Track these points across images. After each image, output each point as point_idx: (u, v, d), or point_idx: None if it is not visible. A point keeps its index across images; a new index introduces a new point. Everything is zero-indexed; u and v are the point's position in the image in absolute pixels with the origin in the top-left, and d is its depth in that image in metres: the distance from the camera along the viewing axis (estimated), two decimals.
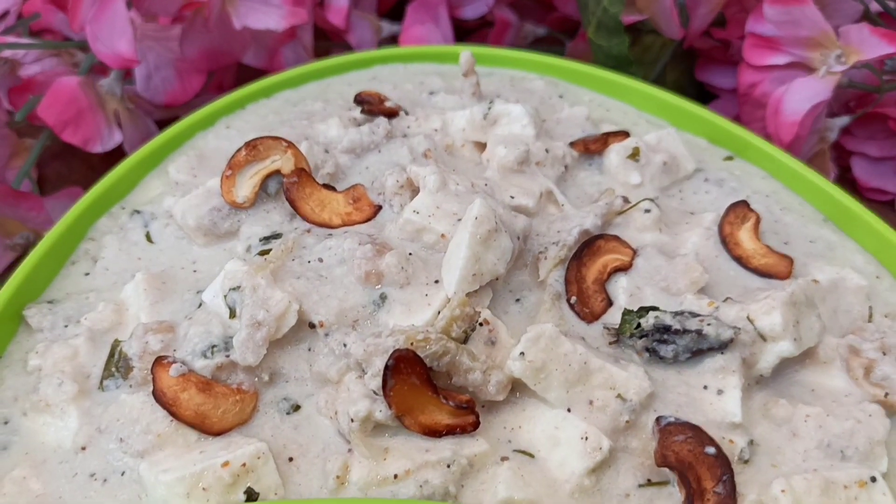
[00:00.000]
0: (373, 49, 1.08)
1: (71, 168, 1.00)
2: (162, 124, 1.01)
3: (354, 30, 1.05)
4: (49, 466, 0.60)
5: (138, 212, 0.76)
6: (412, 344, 0.60)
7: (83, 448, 0.60)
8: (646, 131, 0.85)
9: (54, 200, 0.91)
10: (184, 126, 0.84)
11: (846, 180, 1.01)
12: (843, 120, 0.95)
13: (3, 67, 0.98)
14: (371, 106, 0.81)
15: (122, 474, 0.59)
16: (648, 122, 0.88)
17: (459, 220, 0.67)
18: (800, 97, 0.88)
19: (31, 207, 0.82)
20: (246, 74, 1.09)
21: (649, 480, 0.60)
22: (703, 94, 1.07)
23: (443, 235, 0.67)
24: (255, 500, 0.57)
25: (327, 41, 1.11)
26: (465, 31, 1.14)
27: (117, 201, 0.78)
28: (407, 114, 0.82)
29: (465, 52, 0.84)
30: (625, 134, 0.80)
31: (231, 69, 1.06)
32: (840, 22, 0.91)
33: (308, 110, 0.86)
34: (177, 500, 0.56)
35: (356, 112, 0.82)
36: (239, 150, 0.71)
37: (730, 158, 0.84)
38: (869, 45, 0.83)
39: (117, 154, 0.93)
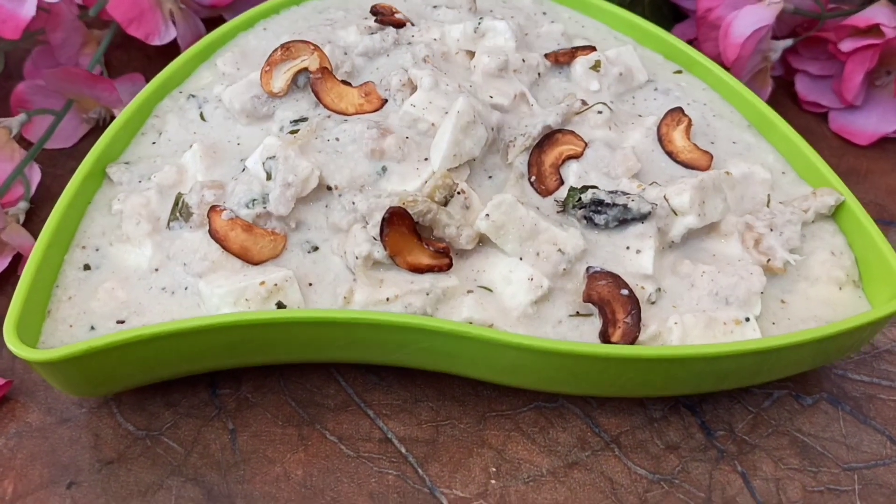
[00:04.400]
0: None
1: (130, 56, 1.18)
2: (208, 23, 1.19)
3: None
4: (130, 282, 0.80)
5: (193, 96, 0.95)
6: (404, 203, 0.79)
7: (156, 269, 0.81)
8: (612, 47, 1.03)
9: (119, 84, 1.09)
10: (228, 27, 1.01)
11: (790, 94, 1.18)
12: (787, 42, 1.11)
13: None
14: (383, 17, 0.98)
15: (186, 289, 0.79)
16: (616, 39, 1.05)
17: (447, 113, 0.85)
18: (746, 22, 1.04)
19: (105, 88, 1.01)
20: None
21: (577, 312, 0.80)
22: (677, 15, 1.23)
23: (433, 124, 0.85)
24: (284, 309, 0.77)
25: None
26: None
27: (175, 87, 0.97)
28: (413, 25, 0.99)
29: None
30: (591, 48, 0.97)
31: None
32: None
33: (331, 17, 1.03)
34: (226, 308, 0.76)
35: (371, 21, 0.99)
36: (275, 50, 0.89)
37: (679, 72, 1.01)
38: None
39: (170, 47, 1.11)
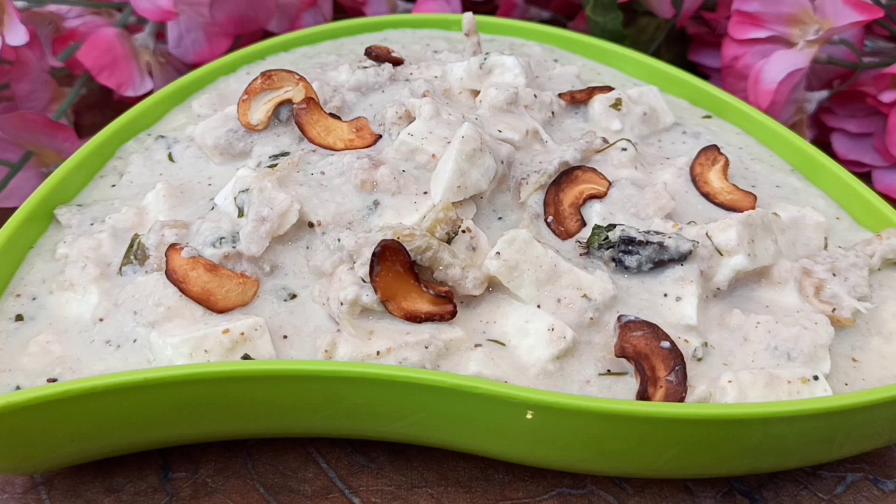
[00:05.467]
0: None
1: (105, 117, 1.09)
2: None
3: (371, 4, 1.14)
4: (69, 334, 0.67)
5: (163, 136, 0.84)
6: (398, 237, 0.66)
7: (101, 319, 0.67)
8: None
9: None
10: (208, 70, 0.92)
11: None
12: (822, 94, 1.01)
13: (48, 28, 1.07)
14: (378, 54, 0.88)
15: (134, 341, 0.66)
16: (636, 87, 0.95)
17: (449, 142, 0.74)
18: (778, 67, 0.95)
19: (66, 139, 0.90)
20: None
21: (609, 370, 0.66)
22: (695, 75, 1.14)
23: (433, 156, 0.74)
24: None
25: (345, 15, 1.20)
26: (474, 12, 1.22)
27: (144, 129, 0.86)
28: (411, 63, 0.90)
29: (467, 13, 0.92)
30: (609, 88, 0.87)
31: (256, 35, 1.14)
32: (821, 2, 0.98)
33: (322, 62, 0.94)
34: (181, 360, 0.62)
35: (365, 62, 0.90)
36: (255, 78, 0.79)
37: (708, 117, 0.91)
38: (842, 14, 0.90)
39: None
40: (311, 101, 0.78)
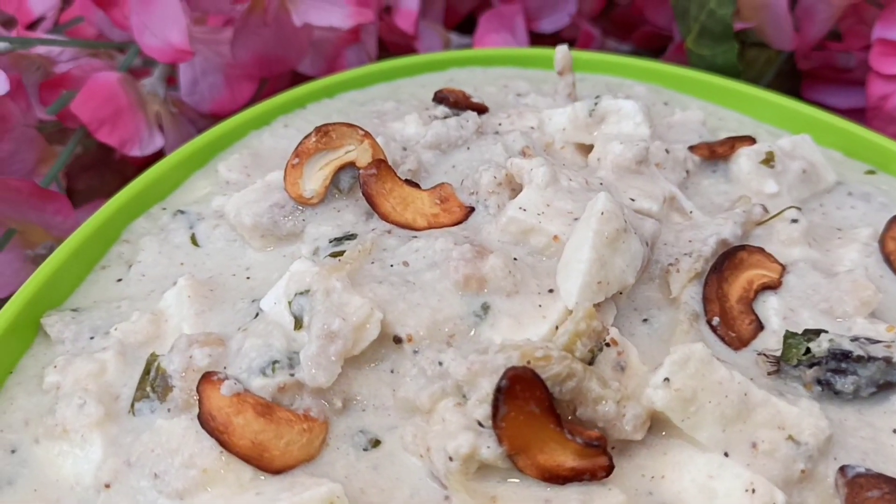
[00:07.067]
0: None
1: (104, 181, 0.90)
2: None
3: (423, 38, 0.95)
4: None
5: (182, 212, 0.65)
6: (529, 362, 0.47)
7: (107, 486, 0.47)
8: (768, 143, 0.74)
9: (84, 213, 0.79)
10: (236, 123, 0.73)
11: None
12: None
13: (36, 74, 0.88)
14: (456, 100, 0.70)
15: None
16: (770, 134, 0.76)
17: (576, 219, 0.55)
18: None
19: (59, 210, 0.71)
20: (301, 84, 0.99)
21: None
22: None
23: (555, 238, 0.55)
24: None
25: (390, 55, 1.01)
26: (541, 45, 1.04)
27: (157, 201, 0.67)
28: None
29: (562, 46, 0.73)
30: (751, 139, 0.69)
31: (285, 78, 0.96)
32: None
33: (378, 109, 0.75)
34: None
35: (436, 109, 0.71)
36: (308, 136, 0.60)
37: (871, 172, 0.72)
38: None
39: (157, 161, 0.82)
40: (381, 163, 0.59)
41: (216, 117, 0.91)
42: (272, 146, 0.72)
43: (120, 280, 0.61)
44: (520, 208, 0.56)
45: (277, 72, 0.91)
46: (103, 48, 0.89)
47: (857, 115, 0.88)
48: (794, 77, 0.96)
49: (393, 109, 0.75)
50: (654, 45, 1.02)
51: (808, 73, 0.95)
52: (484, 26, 0.96)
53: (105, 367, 0.53)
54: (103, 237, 0.63)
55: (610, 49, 1.02)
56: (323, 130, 0.60)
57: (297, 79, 0.97)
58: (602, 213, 0.51)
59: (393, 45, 1.00)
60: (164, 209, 0.66)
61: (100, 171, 0.90)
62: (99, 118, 0.77)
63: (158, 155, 0.83)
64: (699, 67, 0.88)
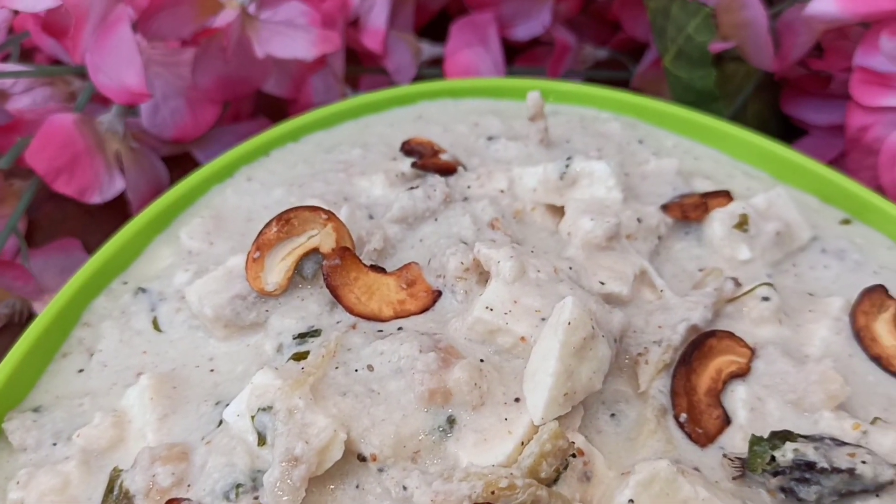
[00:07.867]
0: (411, 73, 0.94)
1: (66, 213, 0.87)
2: (170, 161, 0.89)
3: (392, 54, 0.92)
4: None
5: (143, 290, 0.63)
6: (493, 493, 0.47)
7: None
8: (743, 185, 0.73)
9: (44, 257, 0.78)
10: (197, 179, 0.70)
11: None
12: None
13: None
14: (424, 159, 0.67)
15: None
16: (746, 175, 0.74)
17: (543, 319, 0.54)
18: None
19: (17, 277, 0.69)
20: (266, 104, 0.96)
21: None
22: (790, 130, 0.94)
23: (522, 339, 0.54)
24: None
25: (359, 66, 0.98)
26: (515, 52, 1.01)
27: (118, 273, 0.65)
28: (465, 168, 0.69)
29: (534, 92, 0.71)
30: (726, 195, 0.67)
31: (249, 98, 0.93)
32: None
33: (345, 159, 0.73)
34: None
35: (404, 164, 0.69)
36: (268, 225, 0.58)
37: (846, 222, 0.71)
38: None
39: (119, 198, 0.80)
40: (345, 251, 0.58)
41: (179, 142, 0.89)
42: (236, 204, 0.70)
43: (81, 371, 0.59)
44: (486, 307, 0.54)
45: (241, 94, 0.88)
46: (60, 74, 0.85)
47: (837, 132, 0.86)
48: (773, 88, 0.93)
49: (360, 159, 0.73)
50: (632, 50, 0.99)
51: (789, 84, 0.92)
52: (456, 38, 0.92)
53: (68, 480, 0.52)
54: (63, 320, 0.61)
55: (587, 54, 0.99)
56: (284, 219, 0.58)
57: (262, 97, 0.94)
58: (568, 324, 0.50)
59: (363, 55, 0.97)
60: (126, 283, 0.65)
61: (60, 204, 0.87)
62: (55, 168, 0.74)
63: (118, 196, 0.80)
64: (676, 88, 0.85)
